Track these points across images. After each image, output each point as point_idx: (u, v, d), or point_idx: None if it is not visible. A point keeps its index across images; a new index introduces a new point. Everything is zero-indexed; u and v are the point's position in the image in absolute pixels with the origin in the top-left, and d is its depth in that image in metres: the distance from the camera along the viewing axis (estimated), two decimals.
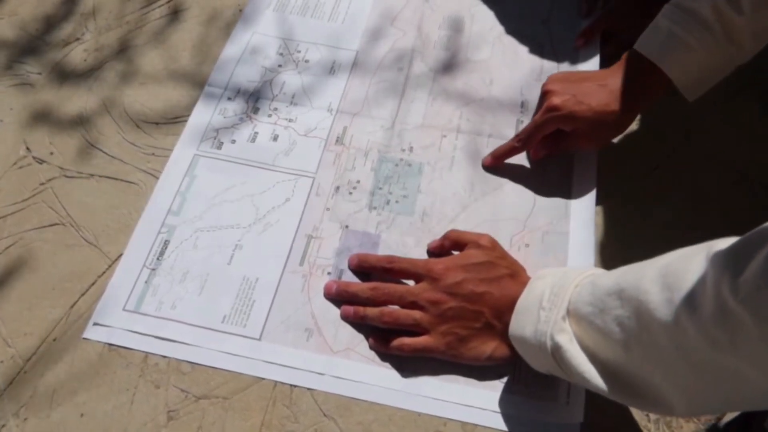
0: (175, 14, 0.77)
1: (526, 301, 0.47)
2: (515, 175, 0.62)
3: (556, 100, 0.58)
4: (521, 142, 0.61)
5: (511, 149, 0.62)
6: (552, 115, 0.58)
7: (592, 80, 0.59)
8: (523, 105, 0.67)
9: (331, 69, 0.71)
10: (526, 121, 0.66)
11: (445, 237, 0.56)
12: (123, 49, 0.74)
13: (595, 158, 0.63)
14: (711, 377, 0.35)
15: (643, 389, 0.40)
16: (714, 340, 0.33)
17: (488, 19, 0.75)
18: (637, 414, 0.50)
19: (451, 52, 0.72)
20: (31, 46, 0.75)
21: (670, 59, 0.55)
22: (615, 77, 0.58)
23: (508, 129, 0.65)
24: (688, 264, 0.36)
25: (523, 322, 0.46)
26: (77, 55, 0.73)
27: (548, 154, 0.62)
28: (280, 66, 0.71)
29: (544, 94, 0.60)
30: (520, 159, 0.64)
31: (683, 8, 0.54)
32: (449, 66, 0.71)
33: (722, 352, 0.33)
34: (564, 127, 0.59)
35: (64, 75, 0.72)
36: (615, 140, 0.64)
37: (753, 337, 0.31)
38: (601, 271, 0.46)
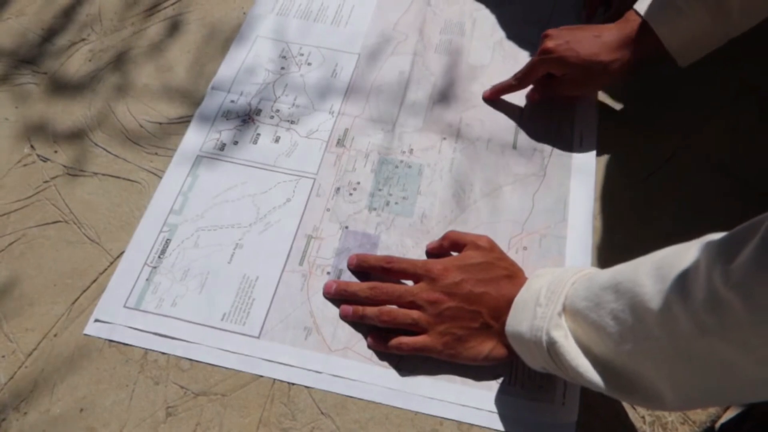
0: (180, 17, 0.78)
1: (523, 298, 0.47)
2: (515, 178, 0.63)
3: (549, 44, 0.62)
4: (517, 81, 0.66)
5: (508, 86, 0.67)
6: (543, 58, 0.63)
7: (589, 31, 0.62)
8: (522, 110, 0.68)
9: (333, 72, 0.72)
10: (526, 126, 0.67)
11: (444, 238, 0.57)
12: (128, 51, 0.74)
13: (594, 162, 0.63)
14: (701, 367, 0.36)
15: (636, 383, 0.40)
16: (704, 326, 0.34)
17: (489, 23, 0.76)
18: (632, 416, 0.50)
19: (452, 57, 0.72)
20: (37, 46, 0.76)
21: (661, 19, 0.57)
22: (611, 31, 0.61)
23: (507, 133, 0.66)
24: (682, 256, 0.36)
25: (519, 319, 0.46)
26: (82, 56, 0.74)
27: (542, 97, 0.66)
28: (282, 69, 0.72)
29: (542, 38, 0.64)
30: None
31: None
32: (450, 70, 0.71)
33: (712, 337, 0.33)
34: (554, 71, 0.63)
35: (69, 75, 0.73)
36: (614, 143, 0.65)
37: (743, 322, 0.32)
38: (597, 269, 0.46)
